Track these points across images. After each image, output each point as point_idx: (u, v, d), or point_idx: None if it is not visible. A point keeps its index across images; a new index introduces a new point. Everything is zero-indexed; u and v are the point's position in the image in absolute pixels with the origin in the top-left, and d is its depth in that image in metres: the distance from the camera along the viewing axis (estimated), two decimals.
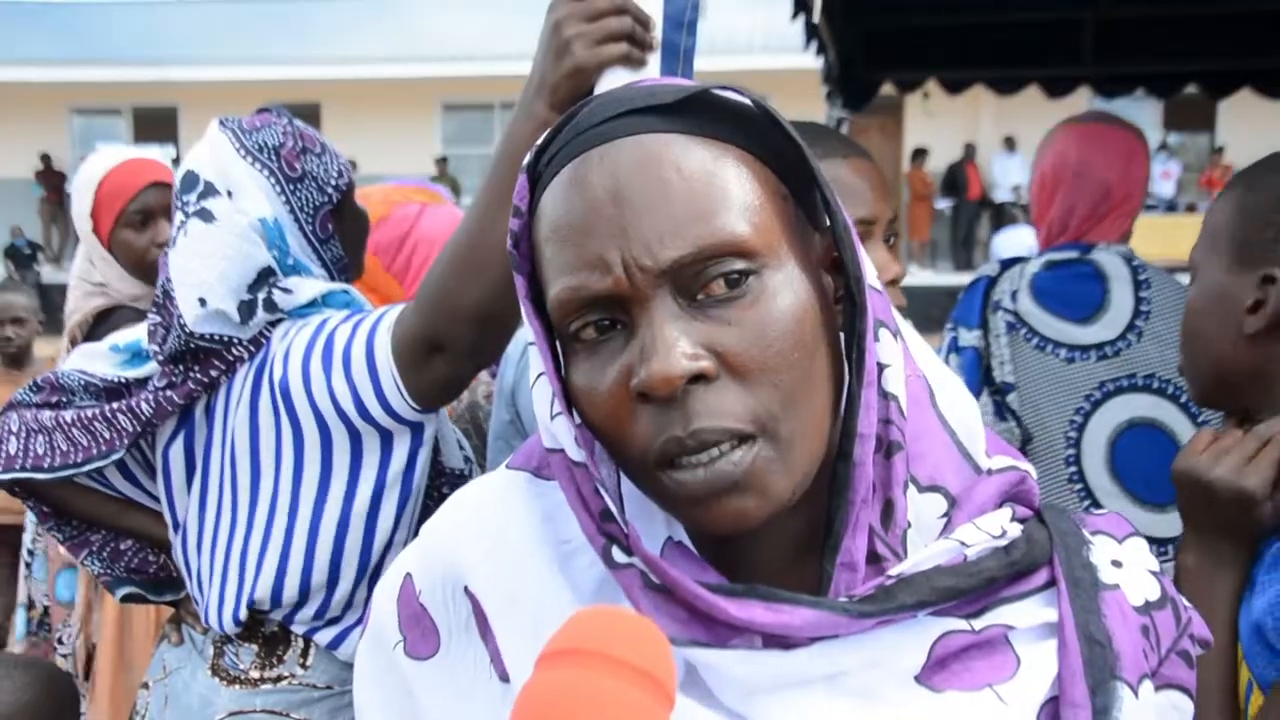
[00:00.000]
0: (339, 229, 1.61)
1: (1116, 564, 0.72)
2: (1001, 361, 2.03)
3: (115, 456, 1.54)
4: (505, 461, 0.81)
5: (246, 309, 1.48)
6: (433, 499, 1.60)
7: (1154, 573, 0.74)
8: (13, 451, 1.59)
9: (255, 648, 1.53)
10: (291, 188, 1.52)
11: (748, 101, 0.69)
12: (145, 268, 2.33)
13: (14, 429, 1.60)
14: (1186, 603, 0.75)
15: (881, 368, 0.68)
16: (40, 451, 1.57)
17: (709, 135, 0.66)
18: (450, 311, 1.33)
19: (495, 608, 0.72)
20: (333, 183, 1.56)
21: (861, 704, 0.65)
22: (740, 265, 0.63)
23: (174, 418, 1.56)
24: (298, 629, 1.52)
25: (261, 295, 1.49)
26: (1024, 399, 2.01)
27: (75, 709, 1.67)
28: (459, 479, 1.64)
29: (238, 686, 1.52)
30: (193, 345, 1.48)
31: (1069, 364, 1.96)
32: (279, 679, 1.51)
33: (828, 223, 0.71)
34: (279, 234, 1.51)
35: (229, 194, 1.50)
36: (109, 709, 2.49)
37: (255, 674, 1.52)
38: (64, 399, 1.61)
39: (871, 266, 0.70)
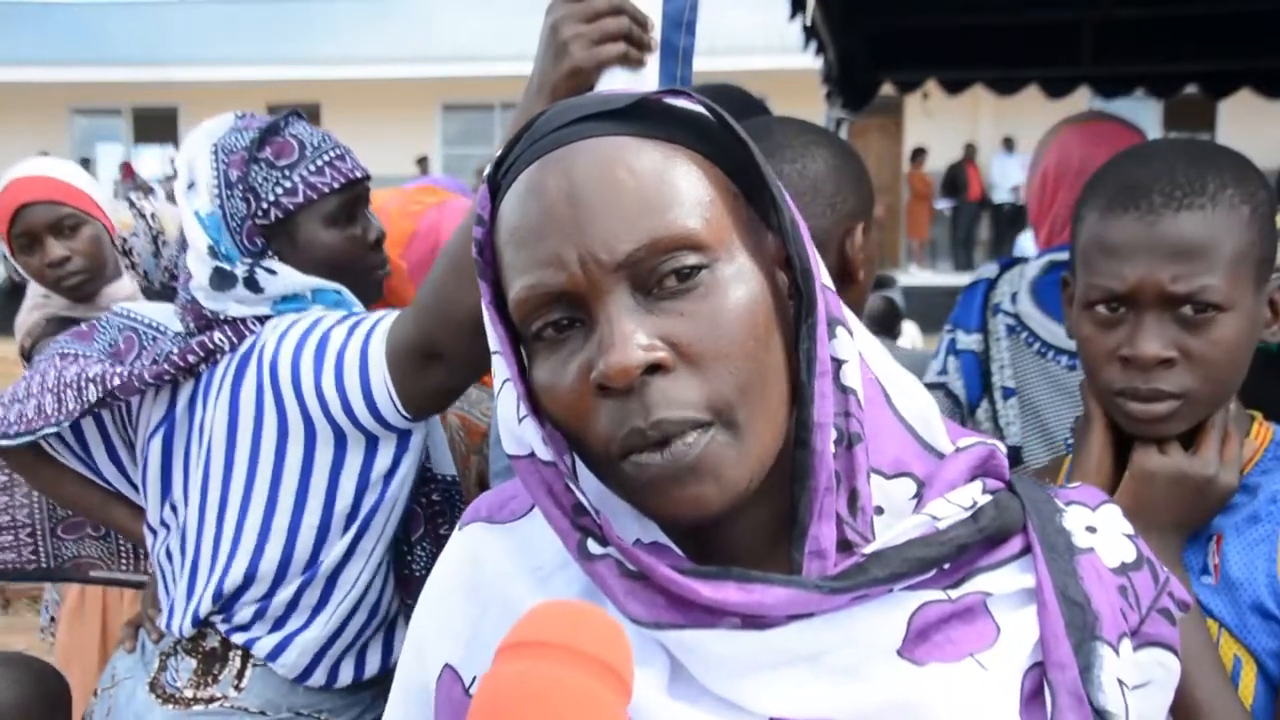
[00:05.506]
0: (281, 249, 1.52)
1: (1090, 529, 0.74)
2: (1001, 366, 2.02)
3: (64, 424, 1.49)
4: (457, 524, 0.84)
5: (219, 278, 1.48)
6: (421, 505, 1.59)
7: (1129, 536, 0.75)
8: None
9: (194, 663, 1.50)
10: (227, 192, 1.49)
11: (699, 107, 0.71)
12: (53, 286, 2.32)
13: (5, 400, 1.59)
14: (1163, 566, 0.76)
15: (839, 363, 0.70)
16: (13, 418, 1.55)
17: (660, 138, 0.69)
18: (447, 318, 1.32)
19: None
20: (270, 199, 1.49)
21: (844, 681, 0.66)
22: (693, 259, 0.66)
23: (160, 408, 1.53)
24: (238, 638, 1.48)
25: (242, 272, 1.48)
26: (1025, 404, 1.99)
27: (67, 706, 1.64)
28: (450, 486, 1.62)
29: (171, 706, 1.48)
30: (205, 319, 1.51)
31: (1070, 370, 1.94)
32: (211, 700, 1.47)
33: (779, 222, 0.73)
34: (216, 230, 1.50)
35: (190, 185, 1.52)
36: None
37: (189, 693, 1.48)
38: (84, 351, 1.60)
39: (823, 265, 0.72)
